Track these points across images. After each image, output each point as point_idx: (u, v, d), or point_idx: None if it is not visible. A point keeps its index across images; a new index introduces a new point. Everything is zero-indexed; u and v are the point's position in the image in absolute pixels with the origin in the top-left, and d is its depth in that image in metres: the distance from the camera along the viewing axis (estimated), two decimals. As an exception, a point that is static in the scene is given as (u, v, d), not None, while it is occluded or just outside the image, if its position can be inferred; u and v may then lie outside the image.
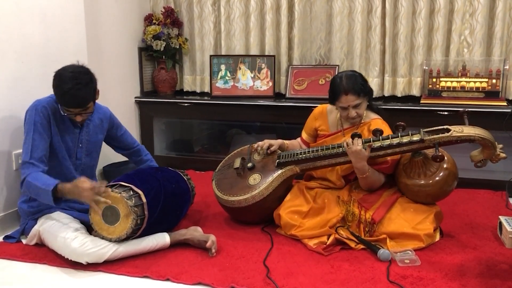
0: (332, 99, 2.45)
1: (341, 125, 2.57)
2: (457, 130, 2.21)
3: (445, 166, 2.31)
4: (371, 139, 2.31)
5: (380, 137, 2.31)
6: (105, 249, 2.10)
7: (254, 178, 2.50)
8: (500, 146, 2.23)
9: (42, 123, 2.26)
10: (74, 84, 2.18)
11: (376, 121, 2.49)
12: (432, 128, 2.28)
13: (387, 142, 2.28)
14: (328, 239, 2.26)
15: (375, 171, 2.38)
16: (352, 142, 2.29)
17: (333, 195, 2.48)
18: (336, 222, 2.34)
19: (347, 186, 2.52)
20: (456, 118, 2.33)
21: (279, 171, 2.48)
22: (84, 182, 2.10)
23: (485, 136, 2.18)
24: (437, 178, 2.30)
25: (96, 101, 2.35)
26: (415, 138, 2.25)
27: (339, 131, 2.57)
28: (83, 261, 2.08)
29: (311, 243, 2.25)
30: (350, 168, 2.46)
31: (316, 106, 2.74)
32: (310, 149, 2.47)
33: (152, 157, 2.85)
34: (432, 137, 2.24)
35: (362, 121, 2.51)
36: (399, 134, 2.29)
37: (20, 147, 2.36)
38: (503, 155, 2.21)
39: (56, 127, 2.34)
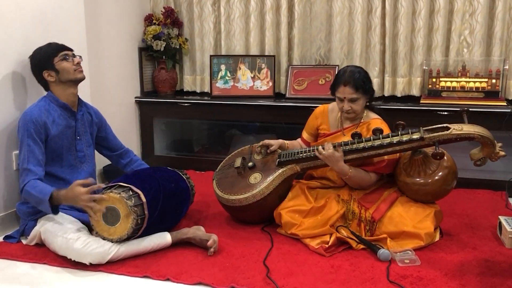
0: (333, 88, 2.51)
1: (341, 125, 2.58)
2: (456, 128, 2.22)
3: (445, 164, 2.32)
4: (371, 138, 2.32)
5: (380, 136, 2.31)
6: (109, 250, 2.10)
7: (255, 177, 2.51)
8: (500, 144, 2.23)
9: (35, 129, 2.29)
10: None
11: (375, 121, 2.51)
12: (432, 127, 2.28)
13: (387, 140, 2.29)
14: (329, 238, 2.26)
15: (359, 170, 2.40)
16: (323, 148, 2.36)
17: (334, 194, 2.48)
18: (336, 220, 2.34)
19: (347, 185, 2.52)
20: (456, 117, 2.33)
21: (280, 170, 2.49)
22: (79, 187, 2.11)
23: (484, 134, 2.18)
24: (436, 177, 2.31)
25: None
26: (415, 136, 2.26)
27: (339, 130, 2.58)
28: (86, 261, 2.08)
29: (313, 243, 2.25)
30: None
31: (316, 106, 2.75)
32: (311, 148, 2.47)
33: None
34: (432, 135, 2.24)
35: (362, 121, 2.53)
36: (399, 133, 2.30)
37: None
38: (502, 153, 2.21)
39: (53, 126, 2.36)
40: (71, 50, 2.44)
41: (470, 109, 2.34)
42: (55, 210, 2.19)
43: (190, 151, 4.18)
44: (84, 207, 2.12)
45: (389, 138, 2.30)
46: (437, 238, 2.32)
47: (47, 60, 2.37)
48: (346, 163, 2.37)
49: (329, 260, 2.14)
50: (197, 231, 2.30)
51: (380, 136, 2.32)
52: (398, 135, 2.29)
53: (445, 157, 2.32)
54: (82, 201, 2.09)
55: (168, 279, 2.00)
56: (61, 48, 2.41)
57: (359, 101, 2.44)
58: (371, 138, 2.33)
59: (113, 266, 2.10)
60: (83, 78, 2.44)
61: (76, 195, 2.10)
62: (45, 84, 2.43)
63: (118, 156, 2.75)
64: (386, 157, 2.39)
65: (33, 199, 2.21)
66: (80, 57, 2.47)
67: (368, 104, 2.55)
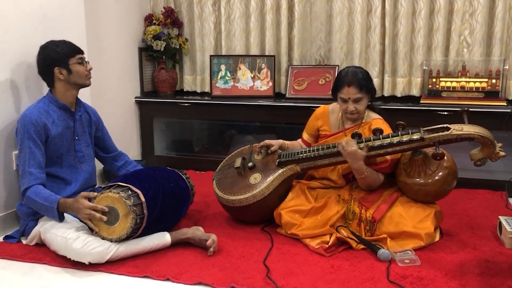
0: (335, 89, 2.49)
1: (342, 125, 2.58)
2: (456, 129, 2.21)
3: (445, 165, 2.32)
4: (371, 138, 2.32)
5: (380, 136, 2.31)
6: (108, 249, 2.10)
7: (255, 177, 2.51)
8: (500, 144, 2.23)
9: (35, 130, 2.29)
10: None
11: (377, 121, 2.51)
12: (432, 127, 2.28)
13: (387, 140, 2.29)
14: (329, 238, 2.26)
15: (373, 171, 2.39)
16: (347, 143, 2.31)
17: (334, 193, 2.48)
18: (337, 220, 2.34)
19: (347, 185, 2.52)
20: (456, 118, 2.33)
21: (280, 170, 2.49)
22: (83, 200, 2.13)
23: (484, 135, 2.18)
24: (436, 177, 2.30)
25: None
26: (415, 136, 2.26)
27: (340, 131, 2.57)
28: (85, 261, 2.09)
29: (313, 243, 2.25)
30: (350, 167, 2.46)
31: (316, 106, 2.75)
32: (311, 148, 2.47)
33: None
34: (432, 135, 2.24)
35: (364, 121, 2.53)
36: (399, 133, 2.30)
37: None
38: (502, 153, 2.21)
39: (53, 127, 2.36)
40: (83, 52, 2.46)
41: (470, 109, 2.34)
42: (61, 217, 2.21)
43: (190, 151, 4.18)
44: (84, 219, 2.14)
45: (389, 139, 2.29)
46: (437, 238, 2.32)
47: (63, 58, 2.35)
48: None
49: (329, 260, 2.14)
50: (196, 231, 2.31)
51: (380, 136, 2.32)
52: (398, 136, 2.29)
53: (445, 157, 2.32)
54: (85, 214, 2.11)
55: (168, 279, 2.00)
56: (78, 50, 2.41)
57: (363, 101, 2.45)
58: (371, 138, 2.32)
59: (113, 266, 2.10)
60: (89, 85, 2.47)
61: (79, 208, 2.12)
62: (50, 80, 2.41)
63: (112, 158, 2.72)
64: (388, 157, 2.39)
65: (37, 205, 2.22)
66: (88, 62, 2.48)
67: (369, 104, 2.55)
